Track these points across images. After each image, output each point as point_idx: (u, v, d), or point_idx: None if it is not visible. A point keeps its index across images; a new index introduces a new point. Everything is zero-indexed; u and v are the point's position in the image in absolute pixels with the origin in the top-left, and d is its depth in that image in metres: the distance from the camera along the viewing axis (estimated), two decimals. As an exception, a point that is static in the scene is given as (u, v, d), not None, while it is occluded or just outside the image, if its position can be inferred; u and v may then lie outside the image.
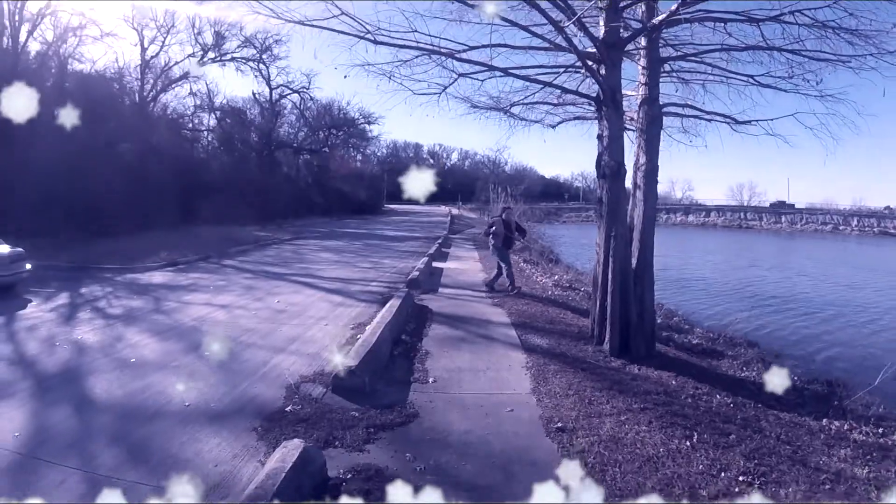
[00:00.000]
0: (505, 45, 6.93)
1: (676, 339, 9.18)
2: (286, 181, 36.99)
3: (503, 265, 10.82)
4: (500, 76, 7.27)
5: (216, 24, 28.26)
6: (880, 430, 5.92)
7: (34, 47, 22.60)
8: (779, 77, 7.43)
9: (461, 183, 75.66)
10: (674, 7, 6.33)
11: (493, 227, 11.08)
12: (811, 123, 7.52)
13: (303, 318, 8.03)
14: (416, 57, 6.96)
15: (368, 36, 6.51)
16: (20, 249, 10.78)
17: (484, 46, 6.82)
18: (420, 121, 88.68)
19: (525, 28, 6.47)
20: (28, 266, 10.73)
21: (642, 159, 7.02)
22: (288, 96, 34.73)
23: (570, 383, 5.33)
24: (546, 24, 6.61)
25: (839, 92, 7.17)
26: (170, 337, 7.00)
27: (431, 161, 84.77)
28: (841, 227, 69.05)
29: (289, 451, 3.16)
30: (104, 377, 5.36)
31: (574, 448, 3.90)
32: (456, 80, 7.10)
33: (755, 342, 10.52)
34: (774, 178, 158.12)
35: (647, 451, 3.97)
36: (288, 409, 4.45)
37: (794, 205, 74.58)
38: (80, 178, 19.96)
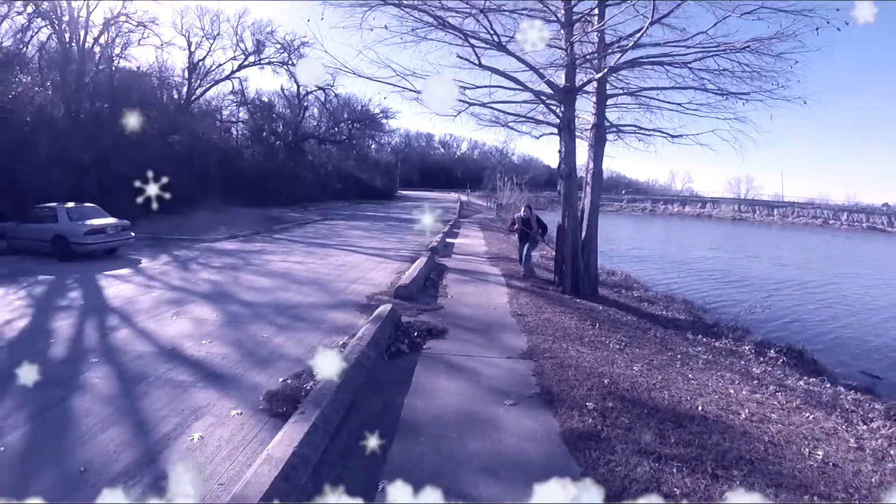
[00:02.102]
0: (499, 87, 10.37)
1: (624, 292, 12.76)
2: (310, 169, 40.56)
3: (521, 254, 12.11)
4: (499, 104, 10.82)
5: (256, 32, 31.79)
6: (733, 343, 9.47)
7: (95, 49, 26.09)
8: (699, 104, 10.81)
9: (470, 171, 78.98)
10: (612, 64, 9.78)
11: (515, 225, 12.26)
12: (727, 137, 10.89)
13: (359, 269, 11.63)
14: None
15: (407, 78, 9.97)
16: (126, 221, 14.14)
17: (485, 87, 10.33)
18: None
19: (511, 77, 9.88)
20: (132, 234, 14.11)
21: (590, 165, 10.52)
22: (314, 92, 38.09)
23: (532, 301, 8.91)
24: (527, 70, 10.09)
25: (742, 116, 10.34)
26: (273, 276, 10.59)
27: (442, 150, 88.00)
28: (831, 222, 71.55)
29: (386, 307, 6.74)
30: (246, 294, 8.94)
31: (525, 321, 7.49)
32: (466, 108, 10.57)
33: (690, 301, 14.03)
34: (773, 173, 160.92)
35: (564, 324, 7.54)
36: (371, 303, 8.05)
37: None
38: (141, 164, 23.55)
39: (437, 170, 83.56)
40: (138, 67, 28.63)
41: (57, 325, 6.85)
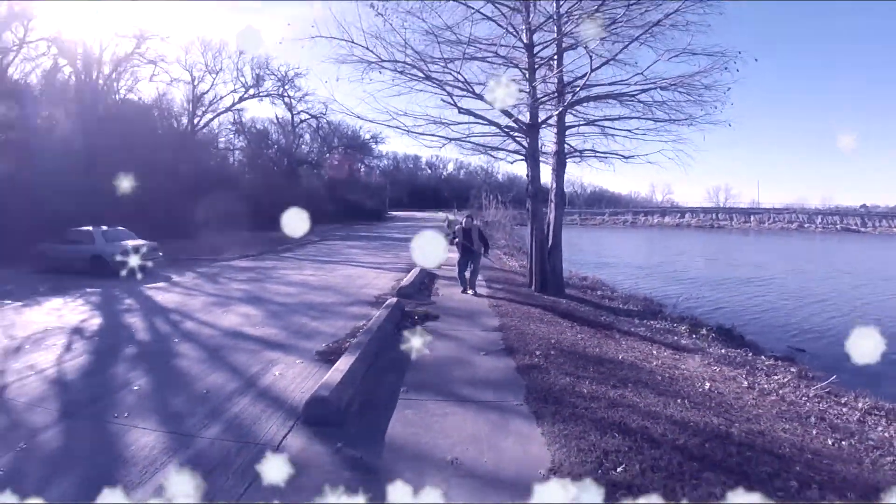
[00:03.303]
0: (477, 123, 12.60)
1: (589, 291, 14.94)
2: (304, 192, 42.64)
3: (458, 267, 11.40)
4: (477, 136, 13.08)
5: (256, 67, 34.26)
6: (672, 324, 11.64)
7: (110, 84, 28.28)
8: (647, 129, 13.02)
9: (456, 190, 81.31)
10: (567, 102, 12.07)
11: (456, 238, 11.28)
12: (670, 156, 13.13)
13: (364, 278, 13.69)
14: (428, 123, 12.61)
15: (399, 118, 12.15)
16: (154, 242, 16.12)
17: (465, 123, 12.57)
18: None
19: (483, 118, 12.13)
20: (161, 254, 16.05)
21: (554, 186, 12.76)
22: (306, 120, 40.43)
23: (506, 297, 11.04)
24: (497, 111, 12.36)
25: (682, 138, 12.64)
26: (293, 285, 12.63)
27: (429, 171, 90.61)
28: (806, 225, 74.55)
29: (392, 300, 8.83)
30: (276, 297, 10.98)
31: (498, 309, 9.61)
32: (449, 142, 12.77)
33: (649, 298, 16.21)
34: (752, 181, 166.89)
35: (529, 312, 9.68)
36: (379, 300, 10.12)
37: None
38: (152, 191, 25.56)
39: (425, 190, 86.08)
40: (140, 99, 30.84)
41: (129, 321, 8.79)
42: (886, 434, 6.10)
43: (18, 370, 6.06)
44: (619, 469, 3.79)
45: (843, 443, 5.37)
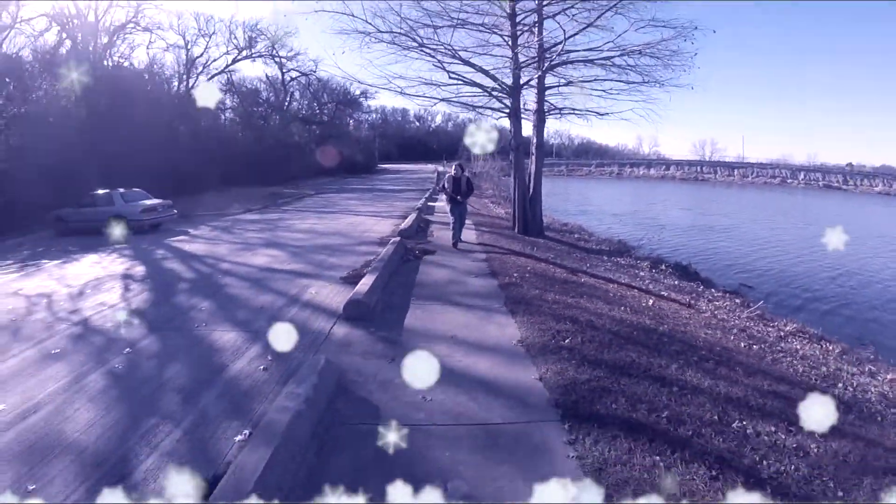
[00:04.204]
0: (465, 84, 13.96)
1: (567, 235, 16.72)
2: (296, 148, 43.59)
3: (452, 219, 11.25)
4: (465, 96, 14.48)
5: (248, 30, 34.65)
6: (636, 261, 13.48)
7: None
8: (620, 90, 14.49)
9: (444, 142, 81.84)
10: (547, 65, 13.47)
11: (445, 186, 11.22)
12: (641, 114, 14.67)
13: (365, 225, 15.31)
14: (420, 84, 13.95)
15: (395, 81, 13.49)
16: (169, 201, 17.49)
17: (454, 84, 13.93)
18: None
19: (469, 81, 13.51)
20: (175, 211, 17.44)
21: (534, 140, 14.28)
22: (297, 78, 40.96)
23: (492, 237, 12.76)
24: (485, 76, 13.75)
25: (651, 98, 14.19)
26: (303, 232, 14.21)
27: (417, 124, 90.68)
28: (789, 181, 76.20)
29: (395, 239, 10.51)
30: (291, 242, 12.58)
31: (485, 246, 11.33)
32: (439, 102, 14.14)
33: (624, 241, 18.04)
34: (738, 136, 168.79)
35: (512, 247, 11.42)
36: (383, 241, 11.79)
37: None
38: (154, 152, 26.64)
39: (414, 143, 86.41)
40: (131, 65, 31.34)
41: (169, 267, 10.33)
42: (798, 347, 7.94)
43: (92, 307, 7.46)
44: (565, 341, 5.57)
45: (755, 347, 7.14)
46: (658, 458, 3.43)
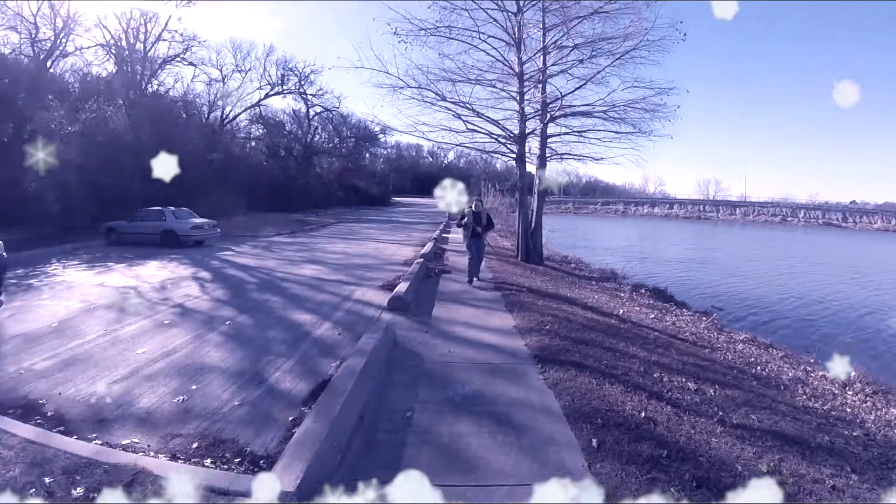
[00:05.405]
0: (479, 132, 16.50)
1: (565, 264, 19.00)
2: (317, 179, 46.64)
3: (469, 255, 11.41)
4: (478, 142, 17.03)
5: (280, 67, 38.12)
6: (619, 285, 15.69)
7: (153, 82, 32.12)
8: (612, 138, 16.98)
9: (457, 178, 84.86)
10: (549, 117, 16.00)
11: (465, 219, 11.29)
12: (631, 158, 17.14)
13: (389, 250, 17.67)
14: (440, 130, 16.52)
15: (419, 127, 16.06)
16: (214, 221, 19.92)
17: (469, 131, 16.48)
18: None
19: (482, 131, 16.08)
20: (218, 230, 19.85)
21: (537, 183, 16.71)
22: (321, 113, 44.26)
23: (499, 263, 15.08)
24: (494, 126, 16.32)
25: (639, 146, 16.68)
26: (336, 254, 16.55)
27: (431, 160, 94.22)
28: (789, 219, 78.19)
29: (419, 260, 12.83)
30: (328, 260, 14.93)
31: (493, 269, 13.62)
32: (456, 146, 16.68)
33: (616, 272, 20.24)
34: (740, 174, 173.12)
35: (515, 271, 13.73)
36: (407, 263, 14.10)
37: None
38: (190, 178, 29.34)
39: (427, 178, 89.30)
40: (168, 93, 34.58)
41: (230, 273, 12.66)
42: (740, 348, 10.01)
43: (180, 296, 9.56)
44: (546, 327, 7.78)
45: (698, 343, 9.31)
46: (594, 381, 5.63)
